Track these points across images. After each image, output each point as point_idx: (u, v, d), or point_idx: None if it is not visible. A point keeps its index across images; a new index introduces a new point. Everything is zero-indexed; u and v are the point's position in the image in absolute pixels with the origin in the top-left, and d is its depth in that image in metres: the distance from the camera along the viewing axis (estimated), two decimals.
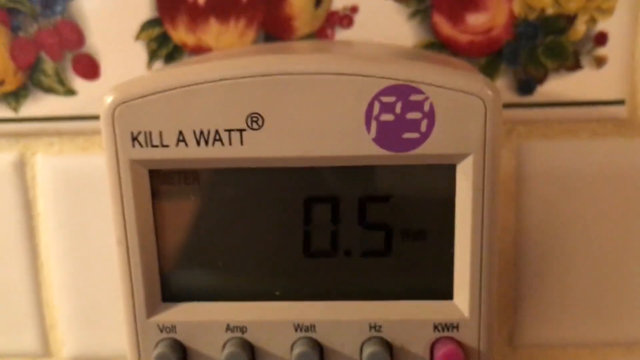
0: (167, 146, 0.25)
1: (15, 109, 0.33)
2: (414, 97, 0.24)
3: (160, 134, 0.25)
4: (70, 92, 0.33)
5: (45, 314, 0.36)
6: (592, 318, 0.36)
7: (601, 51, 0.32)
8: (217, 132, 0.24)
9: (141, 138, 0.25)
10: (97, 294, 0.36)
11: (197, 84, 0.24)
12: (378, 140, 0.24)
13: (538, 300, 0.36)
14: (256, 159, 0.25)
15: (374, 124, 0.24)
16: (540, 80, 0.33)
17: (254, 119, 0.24)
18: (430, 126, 0.24)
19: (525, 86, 0.33)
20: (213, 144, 0.25)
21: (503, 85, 0.33)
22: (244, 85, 0.24)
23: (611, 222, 0.34)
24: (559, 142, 0.34)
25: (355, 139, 0.24)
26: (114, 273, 0.35)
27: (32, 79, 0.33)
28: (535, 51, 0.32)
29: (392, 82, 0.24)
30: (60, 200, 0.35)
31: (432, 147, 0.24)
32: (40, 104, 0.33)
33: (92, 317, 0.36)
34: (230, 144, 0.25)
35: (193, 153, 0.25)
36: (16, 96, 0.33)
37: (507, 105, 0.33)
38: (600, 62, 0.32)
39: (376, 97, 0.24)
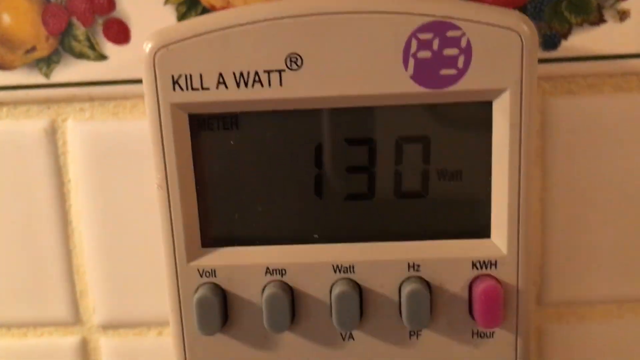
0: (207, 89, 0.25)
1: (47, 75, 0.34)
2: (451, 33, 0.24)
3: (201, 76, 0.25)
4: (101, 57, 0.34)
5: (75, 281, 0.37)
6: (619, 275, 0.36)
7: (624, 5, 0.33)
8: (256, 73, 0.25)
9: (182, 81, 0.25)
10: (128, 261, 0.36)
11: (236, 25, 0.25)
12: (416, 77, 0.25)
13: (565, 257, 0.36)
14: (295, 100, 0.25)
15: (411, 61, 0.25)
16: (564, 35, 0.33)
17: (293, 59, 0.25)
18: (467, 62, 0.25)
19: (550, 41, 0.33)
20: (253, 85, 0.25)
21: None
22: (282, 25, 0.25)
23: (637, 176, 0.35)
24: (584, 98, 0.34)
25: (393, 77, 0.25)
26: (144, 239, 0.36)
27: (63, 45, 0.34)
28: (559, 6, 0.33)
29: (429, 19, 0.24)
30: (91, 166, 0.35)
31: (469, 83, 0.25)
32: (72, 70, 0.34)
33: (123, 284, 0.36)
34: (269, 85, 0.25)
35: (233, 95, 0.25)
36: (48, 62, 0.34)
37: None
38: (623, 15, 0.33)
39: (413, 34, 0.24)
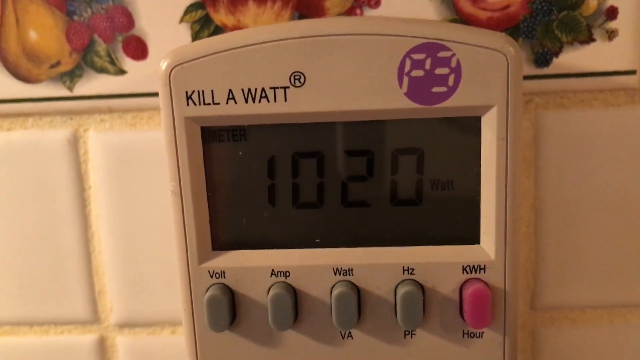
0: (218, 104, 0.27)
1: (70, 88, 0.36)
2: (442, 54, 0.26)
3: (212, 92, 0.27)
4: (121, 71, 0.36)
5: (94, 281, 0.39)
6: (610, 281, 0.38)
7: (612, 24, 0.34)
8: (263, 89, 0.27)
9: (195, 97, 0.27)
10: (144, 263, 0.38)
11: (244, 46, 0.27)
12: (409, 94, 0.27)
13: (558, 264, 0.38)
14: (298, 114, 0.27)
15: (405, 80, 0.27)
16: (556, 52, 0.35)
17: (297, 77, 0.27)
18: (457, 80, 0.27)
19: (542, 59, 0.35)
20: (260, 100, 0.27)
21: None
22: (287, 46, 0.27)
23: (626, 186, 0.36)
24: (575, 112, 0.36)
25: (389, 94, 0.27)
26: (159, 243, 0.38)
27: (85, 60, 0.36)
28: (550, 25, 0.35)
29: (422, 41, 0.26)
30: (110, 173, 0.37)
31: (459, 100, 0.27)
32: (93, 83, 0.36)
33: (139, 284, 0.39)
34: (275, 100, 0.27)
35: (241, 110, 0.27)
36: (71, 76, 0.36)
37: (525, 77, 0.35)
38: (611, 34, 0.35)
39: (407, 55, 0.26)
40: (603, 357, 0.39)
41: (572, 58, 0.35)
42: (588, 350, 0.38)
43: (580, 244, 0.37)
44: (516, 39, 0.35)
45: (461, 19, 0.35)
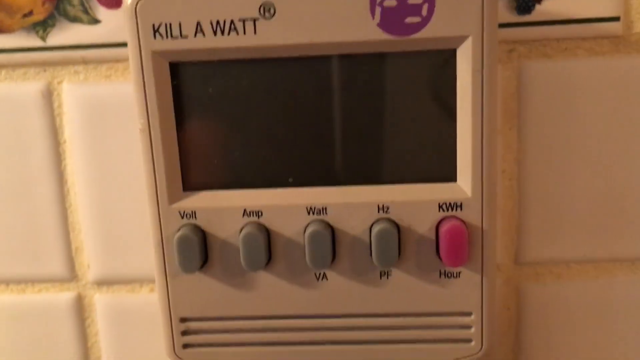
0: (186, 37, 0.27)
1: (43, 38, 0.36)
2: None
3: (180, 25, 0.27)
4: (95, 20, 0.35)
5: (71, 238, 0.38)
6: (595, 235, 0.37)
7: None
8: (232, 22, 0.26)
9: (162, 30, 0.27)
10: (121, 219, 0.38)
11: None
12: (382, 25, 0.26)
13: (542, 218, 0.37)
14: (269, 47, 0.27)
15: (378, 10, 0.26)
16: None
17: (267, 8, 0.26)
18: (431, 10, 0.26)
19: (524, 6, 0.34)
20: (229, 33, 0.27)
21: (502, 6, 0.34)
22: None
23: (610, 138, 0.36)
24: (558, 61, 0.35)
25: (361, 25, 0.26)
26: (137, 198, 0.37)
27: (58, 9, 0.35)
28: None
29: None
30: (86, 127, 0.37)
31: (433, 31, 0.26)
32: (66, 33, 0.36)
33: (117, 241, 0.38)
34: (244, 33, 0.26)
35: (210, 43, 0.27)
36: (44, 25, 0.36)
37: (507, 25, 0.34)
38: None
39: None
40: (589, 312, 0.38)
41: (555, 4, 0.34)
42: (573, 306, 0.38)
43: (564, 197, 0.37)
44: None
45: None
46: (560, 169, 0.36)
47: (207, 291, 0.29)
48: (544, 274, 0.38)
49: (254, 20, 0.26)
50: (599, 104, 0.36)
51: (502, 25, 0.35)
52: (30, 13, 0.36)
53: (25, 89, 0.37)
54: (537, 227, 0.37)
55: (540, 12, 0.35)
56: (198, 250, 0.28)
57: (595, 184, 0.36)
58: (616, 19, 0.34)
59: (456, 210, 0.27)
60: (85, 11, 0.35)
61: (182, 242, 0.28)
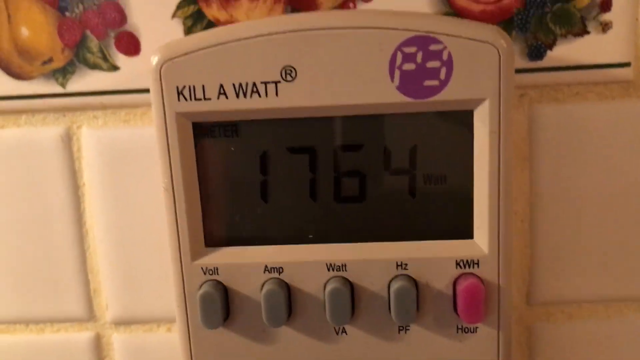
0: (209, 99, 0.27)
1: (63, 85, 0.36)
2: (433, 47, 0.26)
3: (203, 87, 0.27)
4: (114, 67, 0.36)
5: (89, 279, 0.39)
6: (606, 275, 0.38)
7: (606, 17, 0.34)
8: (254, 84, 0.27)
9: (186, 92, 0.27)
10: (139, 261, 0.38)
11: (235, 40, 0.27)
12: (401, 88, 0.27)
13: (553, 258, 0.37)
14: (290, 109, 0.27)
15: (397, 73, 0.27)
16: (550, 45, 0.35)
17: (288, 71, 0.27)
18: (449, 74, 0.26)
19: (536, 52, 0.35)
20: (251, 95, 0.27)
21: (514, 52, 0.35)
22: (278, 40, 0.27)
23: (621, 179, 0.36)
24: (569, 105, 0.36)
25: (381, 88, 0.27)
26: (154, 240, 0.38)
27: (77, 56, 0.36)
28: (544, 18, 0.34)
29: (413, 34, 0.26)
30: (104, 170, 0.37)
31: (451, 94, 0.27)
32: (86, 80, 0.36)
33: (134, 282, 0.39)
34: (266, 95, 0.27)
35: (233, 105, 0.27)
36: (63, 72, 0.36)
37: (519, 71, 0.35)
38: (605, 27, 0.34)
39: (399, 48, 0.26)
40: (600, 351, 0.38)
41: (566, 51, 0.35)
42: (585, 345, 0.38)
43: (576, 238, 0.37)
44: (510, 32, 0.35)
45: (454, 12, 0.35)
46: (571, 211, 0.37)
47: (229, 346, 0.29)
48: (556, 314, 0.38)
49: (276, 83, 0.27)
50: (610, 146, 0.36)
51: (514, 71, 0.35)
52: (50, 60, 0.36)
53: (45, 133, 0.37)
54: (548, 267, 0.38)
55: (551, 58, 0.35)
56: (220, 306, 0.28)
57: (606, 225, 0.37)
58: (627, 64, 0.35)
59: (473, 267, 0.28)
60: (105, 58, 0.36)
61: (205, 299, 0.28)
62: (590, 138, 0.36)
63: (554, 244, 0.37)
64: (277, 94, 0.27)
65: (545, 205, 0.37)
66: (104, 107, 0.37)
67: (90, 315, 0.39)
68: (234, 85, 0.27)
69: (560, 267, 0.38)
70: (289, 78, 0.27)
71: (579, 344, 0.38)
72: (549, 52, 0.35)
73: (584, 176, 0.36)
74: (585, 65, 0.35)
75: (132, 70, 0.36)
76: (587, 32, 0.35)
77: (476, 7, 0.35)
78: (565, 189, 0.37)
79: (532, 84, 0.36)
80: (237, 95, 0.27)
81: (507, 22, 0.35)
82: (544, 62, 0.35)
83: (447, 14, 0.35)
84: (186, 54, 0.27)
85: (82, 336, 0.40)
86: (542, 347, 0.38)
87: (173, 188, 0.28)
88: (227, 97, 0.27)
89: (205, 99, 0.27)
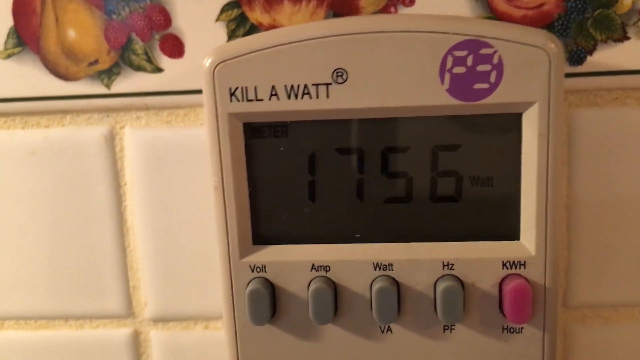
0: (261, 100, 0.28)
1: (107, 86, 0.37)
2: (484, 51, 0.27)
3: (255, 89, 0.28)
4: (158, 69, 0.37)
5: (129, 276, 0.39)
6: None
7: None
8: (305, 86, 0.27)
9: (238, 93, 0.28)
10: (178, 258, 0.39)
11: (288, 43, 0.27)
12: (451, 90, 0.27)
13: (590, 262, 0.38)
14: (340, 111, 0.28)
15: (447, 76, 0.27)
16: (590, 51, 0.35)
17: (339, 73, 0.27)
18: (499, 77, 0.27)
19: (576, 57, 0.35)
20: (302, 97, 0.28)
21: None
22: (330, 43, 0.27)
23: None
24: (608, 110, 0.36)
25: (431, 90, 0.27)
26: (193, 238, 0.39)
27: (123, 58, 0.37)
28: (584, 24, 0.35)
29: (464, 38, 0.27)
30: (146, 170, 0.38)
31: (501, 97, 0.27)
32: (130, 81, 0.37)
33: (173, 280, 0.39)
34: (317, 97, 0.27)
35: (284, 106, 0.28)
36: (109, 74, 0.37)
37: None
38: None
39: (449, 52, 0.27)
40: (635, 356, 0.39)
41: (606, 56, 0.35)
42: (620, 349, 0.38)
43: (613, 242, 0.37)
44: None
45: (496, 17, 0.35)
46: (609, 215, 0.37)
47: (275, 343, 0.30)
48: (592, 317, 0.38)
49: (327, 85, 0.27)
50: None
51: None
52: (96, 62, 0.37)
53: (89, 133, 0.38)
54: (585, 270, 0.38)
55: (591, 63, 0.35)
56: (268, 303, 0.29)
57: None
58: None
59: (519, 268, 0.28)
60: (149, 60, 0.37)
61: (253, 296, 0.29)
62: (628, 143, 0.36)
63: (592, 248, 0.38)
64: (328, 96, 0.27)
65: (583, 209, 0.37)
66: (147, 108, 0.37)
67: (129, 312, 0.40)
68: (285, 87, 0.27)
69: (597, 271, 0.38)
70: (340, 80, 0.27)
71: (614, 347, 0.38)
72: (589, 57, 0.35)
73: (622, 181, 0.37)
74: (625, 71, 0.35)
75: (176, 72, 0.37)
76: (628, 38, 0.35)
77: (517, 13, 0.35)
78: (603, 193, 0.37)
79: (571, 88, 0.36)
80: (289, 97, 0.28)
81: (548, 27, 0.35)
82: (584, 67, 0.35)
83: (488, 18, 0.35)
84: (239, 55, 0.27)
85: (121, 332, 0.40)
86: (577, 350, 0.39)
87: (223, 187, 0.29)
88: (278, 99, 0.28)
89: (257, 100, 0.28)
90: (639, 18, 0.35)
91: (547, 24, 0.35)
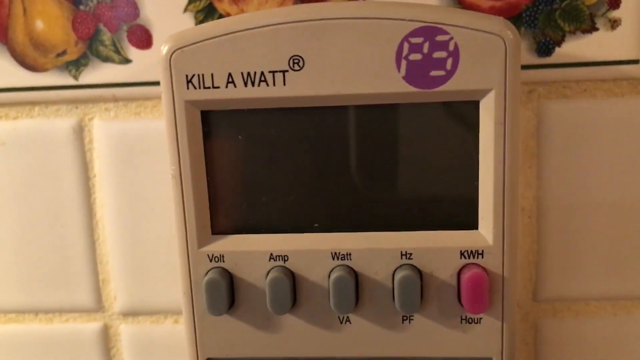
0: (217, 87, 0.28)
1: (76, 77, 0.37)
2: (440, 38, 0.26)
3: (212, 76, 0.28)
4: (126, 60, 0.36)
5: (98, 270, 0.39)
6: (613, 273, 0.37)
7: (615, 13, 0.34)
8: (262, 73, 0.27)
9: (195, 80, 0.28)
10: (148, 252, 0.39)
11: (244, 30, 0.27)
12: (407, 78, 0.27)
13: (560, 255, 0.37)
14: (297, 98, 0.27)
15: (403, 63, 0.27)
16: (558, 42, 0.35)
17: (296, 60, 0.27)
18: (455, 64, 0.27)
19: (544, 48, 0.35)
20: (259, 84, 0.27)
21: (523, 48, 0.35)
22: (286, 30, 0.27)
23: (629, 176, 0.36)
24: (577, 102, 0.36)
25: (387, 78, 0.27)
26: (163, 232, 0.38)
27: (91, 49, 0.36)
28: (552, 15, 0.35)
29: (420, 24, 0.26)
30: (115, 162, 0.38)
31: (457, 84, 0.27)
32: (98, 72, 0.37)
33: (143, 273, 0.39)
34: (274, 84, 0.27)
35: (241, 93, 0.28)
36: (77, 65, 0.37)
37: (527, 67, 0.35)
38: (614, 24, 0.34)
39: (405, 39, 0.27)
40: (606, 349, 0.38)
41: (575, 47, 0.35)
42: (591, 343, 0.38)
43: (583, 235, 0.37)
44: (518, 29, 0.35)
45: (463, 7, 0.35)
46: (579, 207, 0.37)
47: (234, 333, 0.30)
48: (562, 311, 0.38)
49: (284, 72, 0.27)
50: (617, 143, 0.36)
51: (522, 67, 0.35)
52: (64, 52, 0.37)
53: (57, 125, 0.38)
54: (555, 264, 0.38)
55: (560, 54, 0.35)
56: (226, 293, 0.29)
57: (613, 223, 0.37)
58: (636, 61, 0.35)
59: (477, 257, 0.28)
60: (117, 51, 0.36)
61: (211, 286, 0.28)
62: (598, 135, 0.36)
63: (561, 241, 0.37)
64: (284, 83, 0.27)
65: (552, 202, 0.37)
66: (115, 100, 0.37)
67: (99, 305, 0.40)
68: (242, 74, 0.27)
69: (567, 264, 0.38)
70: (296, 67, 0.27)
71: (585, 341, 0.38)
72: (557, 49, 0.35)
73: (591, 173, 0.36)
74: (594, 62, 0.35)
75: (144, 63, 0.37)
76: (596, 29, 0.35)
77: (485, 3, 0.35)
78: (572, 185, 0.37)
79: (540, 80, 0.36)
80: (245, 84, 0.27)
81: (515, 18, 0.35)
82: (553, 59, 0.35)
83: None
84: (195, 43, 0.27)
85: (90, 326, 0.40)
86: (548, 343, 0.38)
87: (181, 175, 0.28)
88: (235, 86, 0.27)
89: (213, 87, 0.28)
90: (607, 9, 0.35)
91: (514, 15, 0.35)
